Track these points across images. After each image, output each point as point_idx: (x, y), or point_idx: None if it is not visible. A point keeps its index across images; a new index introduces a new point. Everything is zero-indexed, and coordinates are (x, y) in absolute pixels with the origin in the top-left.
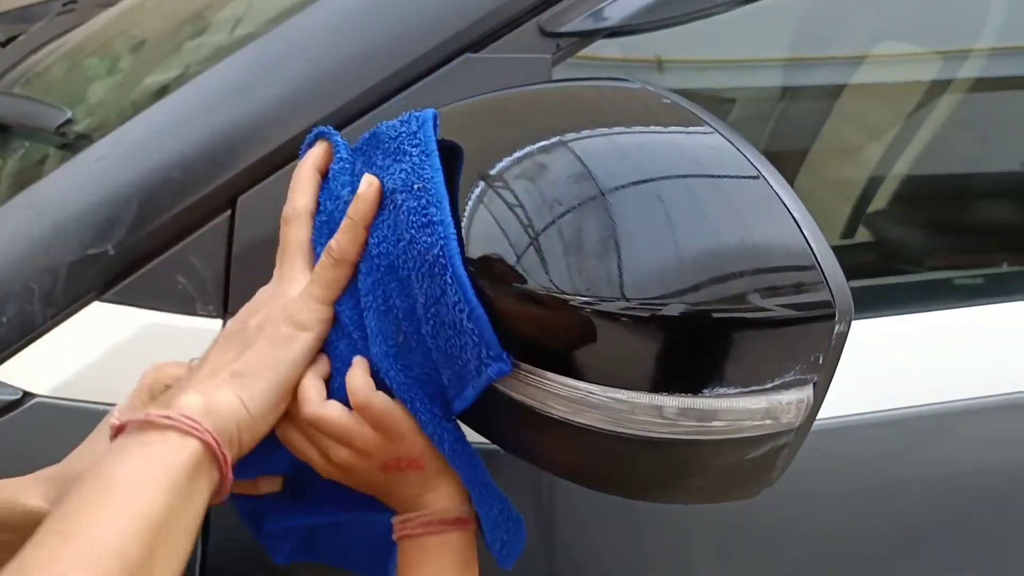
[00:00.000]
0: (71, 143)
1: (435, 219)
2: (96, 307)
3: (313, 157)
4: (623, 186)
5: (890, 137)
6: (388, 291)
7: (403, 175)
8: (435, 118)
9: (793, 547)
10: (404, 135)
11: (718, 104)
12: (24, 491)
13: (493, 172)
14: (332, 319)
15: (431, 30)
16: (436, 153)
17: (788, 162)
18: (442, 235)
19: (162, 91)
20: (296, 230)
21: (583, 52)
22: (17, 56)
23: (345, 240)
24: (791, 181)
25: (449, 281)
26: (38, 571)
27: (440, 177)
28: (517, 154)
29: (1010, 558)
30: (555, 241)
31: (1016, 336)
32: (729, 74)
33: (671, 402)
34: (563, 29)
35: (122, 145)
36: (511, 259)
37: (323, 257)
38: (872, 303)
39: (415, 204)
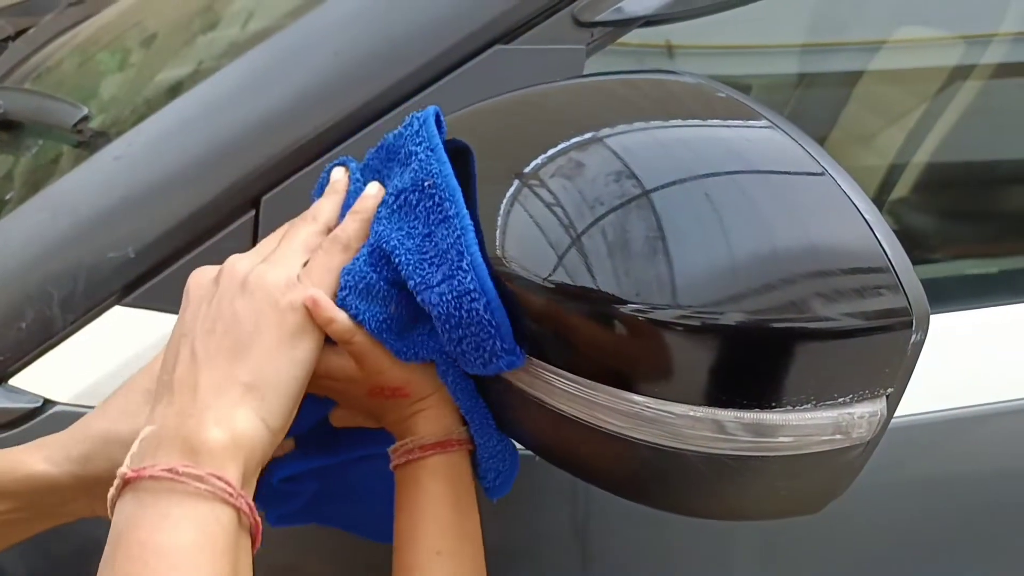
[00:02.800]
0: (87, 141)
1: (450, 213)
2: (117, 312)
3: (333, 184)
4: (666, 184)
5: (911, 124)
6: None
7: (412, 175)
8: (437, 115)
9: (831, 548)
10: (407, 136)
11: None
12: (27, 456)
13: (528, 170)
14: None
15: (461, 21)
16: (441, 147)
17: None
18: (459, 227)
19: (175, 87)
20: (308, 230)
21: None
22: (27, 50)
23: (352, 228)
24: None
25: (466, 268)
26: None
27: (449, 170)
28: (552, 151)
29: None
30: (598, 243)
31: None
32: (744, 60)
33: (732, 417)
34: (598, 18)
35: (141, 144)
36: (552, 264)
37: (327, 244)
38: None
39: (429, 201)
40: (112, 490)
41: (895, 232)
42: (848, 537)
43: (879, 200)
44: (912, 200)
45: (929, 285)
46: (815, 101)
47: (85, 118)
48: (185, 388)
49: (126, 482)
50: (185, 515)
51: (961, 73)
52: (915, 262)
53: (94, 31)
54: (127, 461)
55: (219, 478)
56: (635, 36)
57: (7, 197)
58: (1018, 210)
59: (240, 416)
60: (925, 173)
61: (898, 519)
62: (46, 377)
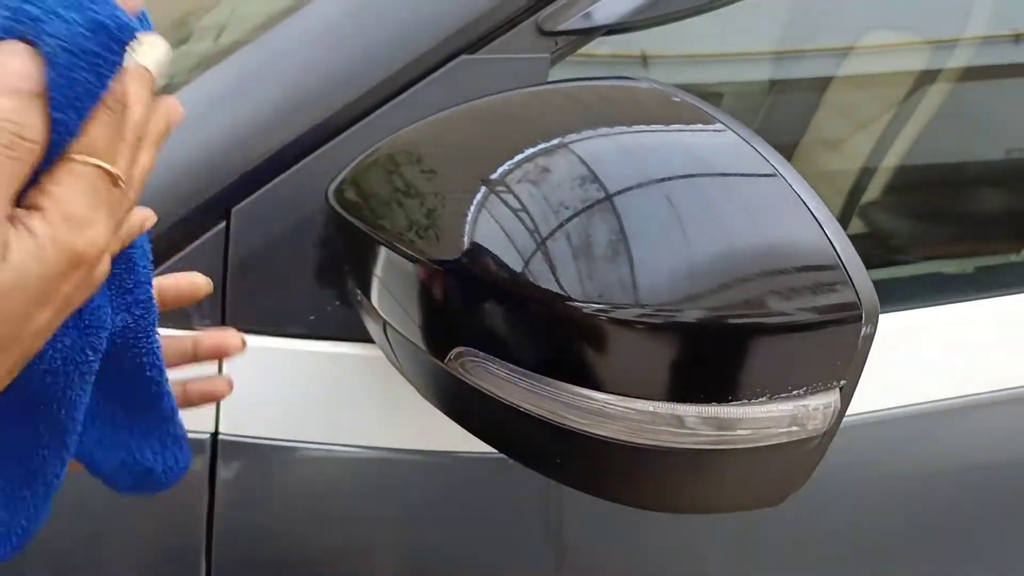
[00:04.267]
0: None
1: None
2: None
3: None
4: (628, 188)
5: (881, 128)
6: None
7: None
8: None
9: (805, 545)
10: None
11: (705, 99)
12: None
13: (495, 177)
14: None
15: (426, 32)
16: None
17: None
18: None
19: None
20: None
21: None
22: None
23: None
24: None
25: None
26: None
27: None
28: (518, 158)
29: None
30: (563, 246)
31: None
32: (716, 68)
33: (692, 411)
34: (561, 27)
35: None
36: (519, 267)
37: None
38: None
39: None
40: None
41: (868, 234)
42: (821, 533)
43: (851, 204)
44: (884, 203)
45: (903, 284)
46: (786, 107)
47: None
48: None
49: None
50: None
51: (929, 77)
52: (888, 264)
53: None
54: None
55: None
56: (608, 47)
57: None
58: (988, 210)
59: None
60: (896, 176)
61: (873, 516)
62: None
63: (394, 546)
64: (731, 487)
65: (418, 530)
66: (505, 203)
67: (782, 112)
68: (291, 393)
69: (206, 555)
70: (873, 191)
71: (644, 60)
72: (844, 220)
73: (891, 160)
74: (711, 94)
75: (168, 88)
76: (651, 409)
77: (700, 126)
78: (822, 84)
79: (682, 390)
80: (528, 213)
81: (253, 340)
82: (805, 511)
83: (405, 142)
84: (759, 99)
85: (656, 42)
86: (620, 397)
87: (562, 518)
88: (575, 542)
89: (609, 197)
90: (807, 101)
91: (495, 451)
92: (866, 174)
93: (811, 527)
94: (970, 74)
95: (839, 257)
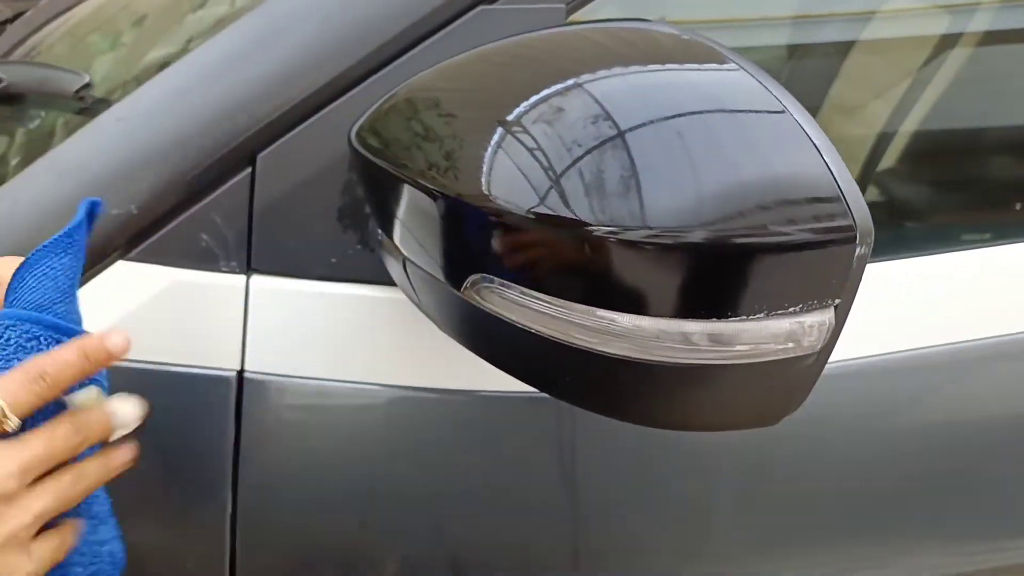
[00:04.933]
0: (89, 107)
1: None
2: (120, 266)
3: None
4: (640, 125)
5: (899, 94)
6: None
7: None
8: None
9: (812, 493)
10: None
11: None
12: None
13: (511, 118)
14: None
15: None
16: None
17: None
18: None
19: (166, 65)
20: None
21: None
22: (25, 32)
23: None
24: None
25: None
26: None
27: None
28: (534, 99)
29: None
30: (576, 182)
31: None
32: (734, 33)
33: (695, 327)
34: None
35: (141, 106)
36: (533, 198)
37: None
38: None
39: None
40: None
41: (884, 202)
42: (824, 475)
43: (868, 171)
44: (901, 170)
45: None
46: (806, 72)
47: (87, 85)
48: None
49: None
50: None
51: (948, 42)
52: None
53: (88, 13)
54: None
55: None
56: (623, 10)
57: (13, 164)
58: (1008, 178)
59: None
60: (914, 142)
61: (886, 461)
62: None
63: (411, 481)
64: (732, 404)
65: (435, 466)
66: (521, 142)
67: (801, 78)
68: (314, 333)
69: (232, 489)
70: (891, 158)
71: None
72: (862, 187)
73: (910, 126)
74: None
75: (189, 47)
76: (657, 326)
77: (714, 65)
78: (842, 50)
79: (685, 307)
80: (543, 151)
81: (278, 282)
82: (810, 455)
83: (423, 86)
84: (778, 65)
85: (672, 7)
86: (627, 315)
87: (575, 456)
88: (588, 479)
89: (622, 134)
90: (826, 67)
91: (511, 390)
92: (885, 141)
93: (814, 470)
94: (989, 39)
95: (838, 184)
